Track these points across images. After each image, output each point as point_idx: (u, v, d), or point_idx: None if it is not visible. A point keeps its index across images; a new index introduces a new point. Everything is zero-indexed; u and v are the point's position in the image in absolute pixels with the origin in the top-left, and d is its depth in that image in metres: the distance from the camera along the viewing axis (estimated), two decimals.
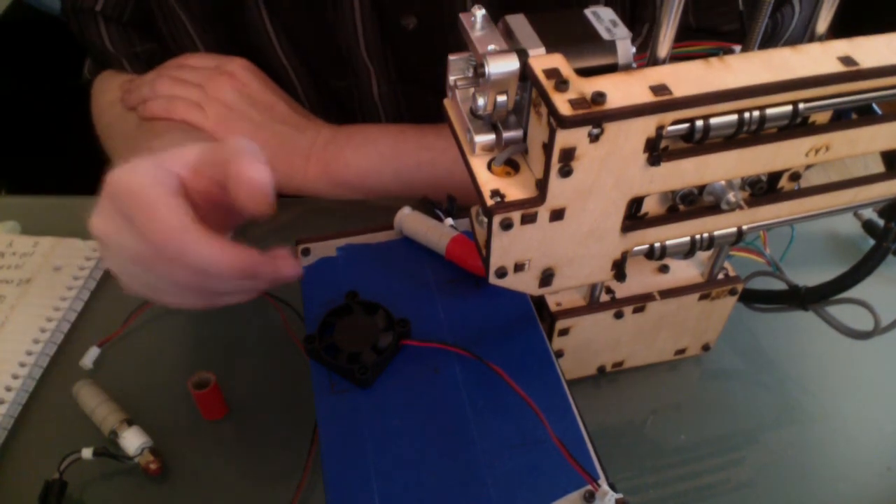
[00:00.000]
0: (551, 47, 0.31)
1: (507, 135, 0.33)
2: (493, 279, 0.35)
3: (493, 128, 0.33)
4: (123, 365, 0.49)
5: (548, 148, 0.30)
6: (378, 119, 0.67)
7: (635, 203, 0.35)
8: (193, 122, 0.57)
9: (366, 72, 0.62)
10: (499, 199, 0.32)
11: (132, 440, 0.42)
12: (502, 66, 0.30)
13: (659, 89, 0.29)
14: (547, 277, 0.36)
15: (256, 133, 0.58)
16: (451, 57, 0.34)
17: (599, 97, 0.28)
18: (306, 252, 0.46)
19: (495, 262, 0.34)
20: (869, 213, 0.53)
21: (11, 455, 0.44)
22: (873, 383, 0.48)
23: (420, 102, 0.65)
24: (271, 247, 0.39)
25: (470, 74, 0.34)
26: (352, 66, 0.62)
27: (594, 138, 0.29)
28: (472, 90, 0.33)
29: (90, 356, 0.48)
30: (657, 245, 0.36)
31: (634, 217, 0.35)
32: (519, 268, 0.35)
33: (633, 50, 0.32)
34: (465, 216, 0.47)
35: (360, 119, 0.66)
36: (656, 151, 0.31)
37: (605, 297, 0.43)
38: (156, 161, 0.37)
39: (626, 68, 0.32)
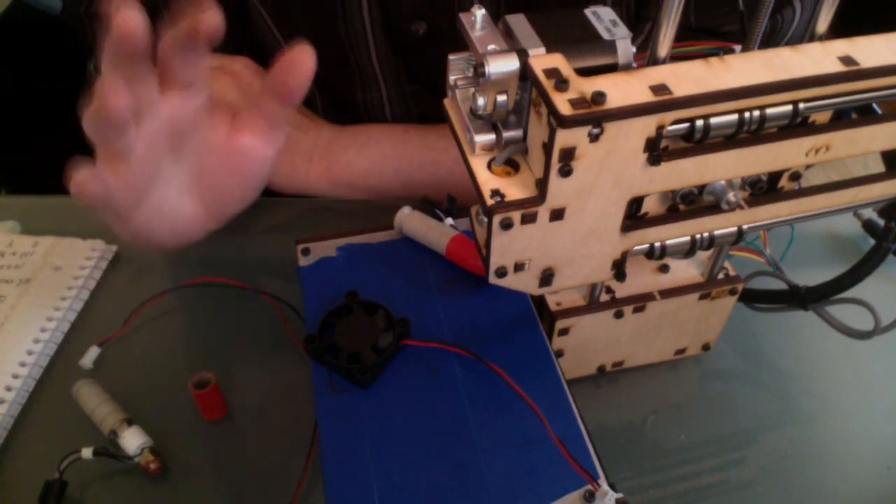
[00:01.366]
0: (551, 47, 0.31)
1: (507, 134, 0.33)
2: (493, 279, 0.35)
3: (493, 127, 0.33)
4: (123, 365, 0.49)
5: (548, 148, 0.30)
6: (385, 121, 0.67)
7: (635, 203, 0.35)
8: None
9: (375, 78, 0.62)
10: (499, 199, 0.32)
11: (132, 440, 0.42)
12: (502, 65, 0.30)
13: (659, 89, 0.29)
14: (547, 277, 0.36)
15: None
16: (451, 57, 0.34)
17: (599, 97, 0.28)
18: (306, 252, 0.46)
19: (495, 261, 0.34)
20: (869, 213, 0.53)
21: (11, 455, 0.44)
22: (873, 383, 0.48)
23: (428, 104, 0.64)
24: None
25: (470, 74, 0.34)
26: (360, 72, 0.62)
27: (594, 138, 0.29)
28: (472, 90, 0.33)
29: (90, 356, 0.48)
30: (657, 245, 0.36)
31: (634, 217, 0.35)
32: (519, 267, 0.35)
33: (634, 50, 0.32)
34: (465, 216, 0.47)
35: (366, 120, 0.66)
36: (656, 151, 0.31)
37: (605, 297, 0.43)
38: None
39: (626, 68, 0.32)
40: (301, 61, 0.38)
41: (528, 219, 0.32)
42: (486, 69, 0.30)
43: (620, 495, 0.33)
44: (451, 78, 0.34)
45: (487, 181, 0.33)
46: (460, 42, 0.33)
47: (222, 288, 0.52)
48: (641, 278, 0.44)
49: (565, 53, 0.30)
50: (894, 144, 0.35)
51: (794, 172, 0.36)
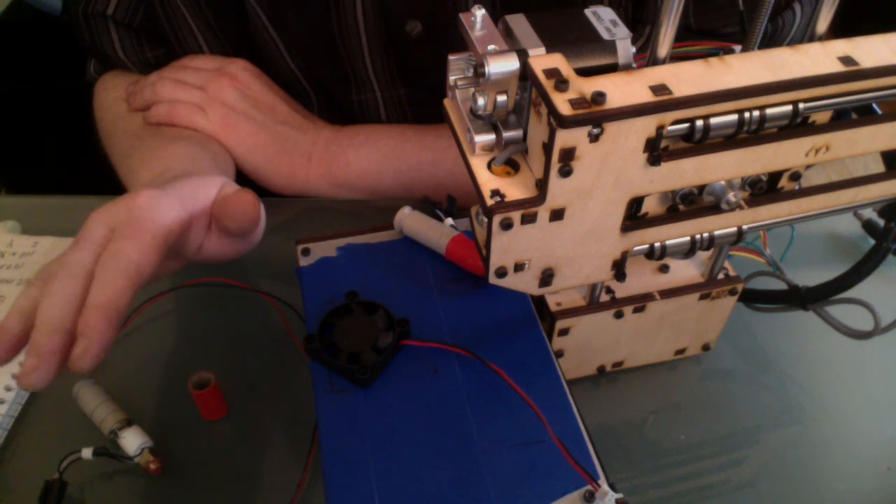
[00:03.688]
0: (551, 47, 0.31)
1: (507, 135, 0.33)
2: (493, 279, 0.35)
3: (493, 128, 0.33)
4: (123, 365, 0.49)
5: (548, 148, 0.30)
6: (380, 122, 0.66)
7: (635, 203, 0.35)
8: (196, 126, 0.57)
9: (368, 79, 0.62)
10: (499, 199, 0.32)
11: (132, 440, 0.42)
12: (502, 65, 0.30)
13: (659, 89, 0.29)
14: (547, 277, 0.36)
15: (258, 134, 0.58)
16: (451, 57, 0.34)
17: (599, 97, 0.28)
18: (306, 252, 0.46)
19: (495, 261, 0.34)
20: (869, 213, 0.53)
21: (11, 455, 0.44)
22: (873, 383, 0.48)
23: (423, 107, 0.64)
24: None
25: (470, 74, 0.34)
26: (354, 73, 0.62)
27: (594, 138, 0.29)
28: (472, 90, 0.33)
29: None
30: (657, 245, 0.36)
31: (634, 217, 0.35)
32: (519, 268, 0.35)
33: (633, 50, 0.32)
34: (465, 216, 0.47)
35: (361, 121, 0.66)
36: (656, 151, 0.31)
37: (605, 297, 0.43)
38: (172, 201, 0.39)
39: (626, 68, 0.32)
40: (243, 203, 0.41)
41: (528, 219, 0.32)
42: (486, 69, 0.30)
43: (620, 495, 0.33)
44: (451, 78, 0.34)
45: (487, 181, 0.33)
46: (455, 43, 0.33)
47: (222, 288, 0.52)
48: (641, 278, 0.44)
49: (565, 53, 0.30)
50: (894, 144, 0.35)
51: (794, 172, 0.36)
